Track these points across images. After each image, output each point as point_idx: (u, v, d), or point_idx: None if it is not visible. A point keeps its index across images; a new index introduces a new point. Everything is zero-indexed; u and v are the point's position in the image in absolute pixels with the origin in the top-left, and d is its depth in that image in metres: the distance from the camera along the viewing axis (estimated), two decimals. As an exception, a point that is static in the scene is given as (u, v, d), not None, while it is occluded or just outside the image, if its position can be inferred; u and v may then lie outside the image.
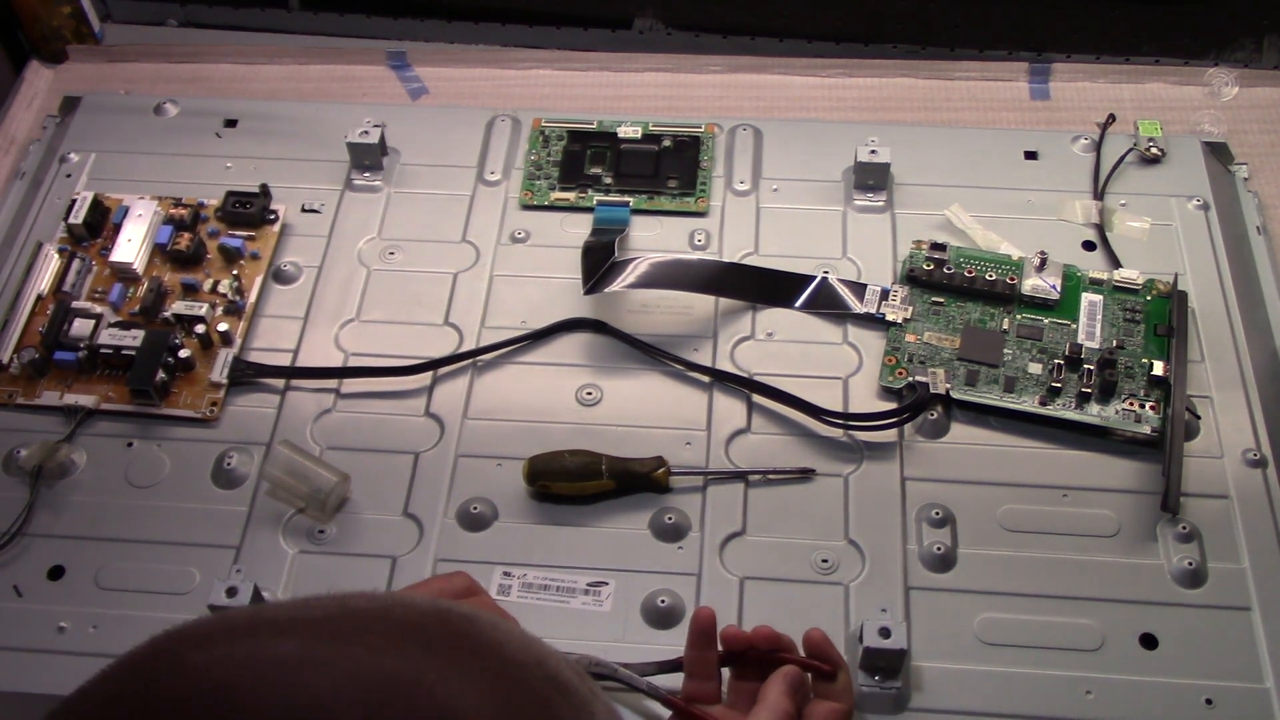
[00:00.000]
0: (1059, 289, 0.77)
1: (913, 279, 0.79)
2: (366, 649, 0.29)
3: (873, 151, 0.83)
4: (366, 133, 0.86)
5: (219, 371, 0.76)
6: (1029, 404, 0.73)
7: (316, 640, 0.29)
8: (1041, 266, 0.78)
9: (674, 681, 0.60)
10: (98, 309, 0.77)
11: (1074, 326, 0.76)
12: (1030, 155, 0.87)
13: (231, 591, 0.64)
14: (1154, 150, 0.86)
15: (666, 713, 0.59)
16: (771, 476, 0.71)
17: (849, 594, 0.67)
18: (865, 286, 0.79)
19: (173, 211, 0.83)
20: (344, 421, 0.75)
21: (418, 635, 0.31)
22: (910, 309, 0.77)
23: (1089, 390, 0.72)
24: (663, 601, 0.66)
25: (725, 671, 0.60)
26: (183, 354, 0.75)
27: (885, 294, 0.78)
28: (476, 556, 0.68)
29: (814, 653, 0.58)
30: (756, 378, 0.75)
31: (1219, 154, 0.88)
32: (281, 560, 0.69)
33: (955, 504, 0.70)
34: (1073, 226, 0.83)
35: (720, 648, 0.59)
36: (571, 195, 0.85)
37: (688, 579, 0.67)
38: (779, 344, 0.77)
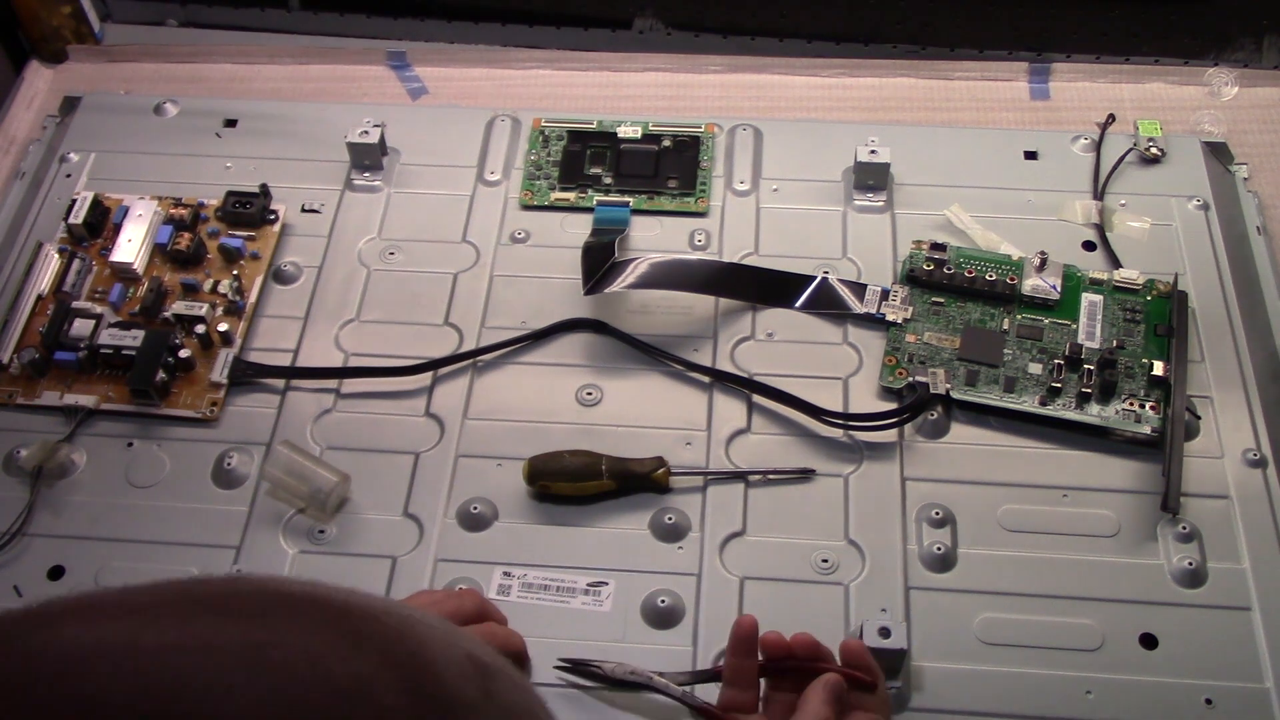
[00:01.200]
0: (1059, 289, 0.77)
1: (913, 279, 0.79)
2: (156, 634, 0.27)
3: (873, 151, 0.83)
4: (366, 133, 0.86)
5: (219, 371, 0.76)
6: (1029, 404, 0.73)
7: (118, 628, 0.27)
8: (1041, 266, 0.78)
9: (709, 693, 0.60)
10: (98, 309, 0.77)
11: (1074, 326, 0.76)
12: (1030, 155, 0.87)
13: (231, 591, 0.64)
14: (1154, 150, 0.86)
15: None
16: (771, 476, 0.71)
17: (849, 594, 0.67)
18: (865, 286, 0.79)
19: (173, 211, 0.83)
20: (344, 421, 0.75)
21: (249, 617, 0.28)
22: (910, 309, 0.77)
23: (1089, 390, 0.72)
24: (663, 601, 0.66)
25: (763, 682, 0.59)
26: (183, 354, 0.75)
27: (885, 294, 0.78)
28: (476, 557, 0.68)
29: (852, 662, 0.57)
30: (756, 378, 0.75)
31: (1219, 154, 0.88)
32: (281, 560, 0.69)
33: (955, 504, 0.70)
34: (1073, 226, 0.83)
35: (760, 655, 0.58)
36: (571, 195, 0.85)
37: (688, 579, 0.67)
38: (779, 344, 0.77)
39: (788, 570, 0.68)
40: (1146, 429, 0.71)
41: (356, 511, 0.71)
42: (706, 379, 0.76)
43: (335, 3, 1.02)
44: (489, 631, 0.61)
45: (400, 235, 0.84)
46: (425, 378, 0.76)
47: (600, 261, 0.77)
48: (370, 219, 0.84)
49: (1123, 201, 0.84)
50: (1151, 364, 0.73)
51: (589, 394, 0.75)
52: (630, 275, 0.77)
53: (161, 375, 0.74)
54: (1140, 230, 0.82)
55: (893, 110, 0.93)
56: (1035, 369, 0.74)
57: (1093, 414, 0.72)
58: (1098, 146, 0.87)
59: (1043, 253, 0.78)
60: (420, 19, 1.02)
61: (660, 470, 0.70)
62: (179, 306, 0.78)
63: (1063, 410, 0.72)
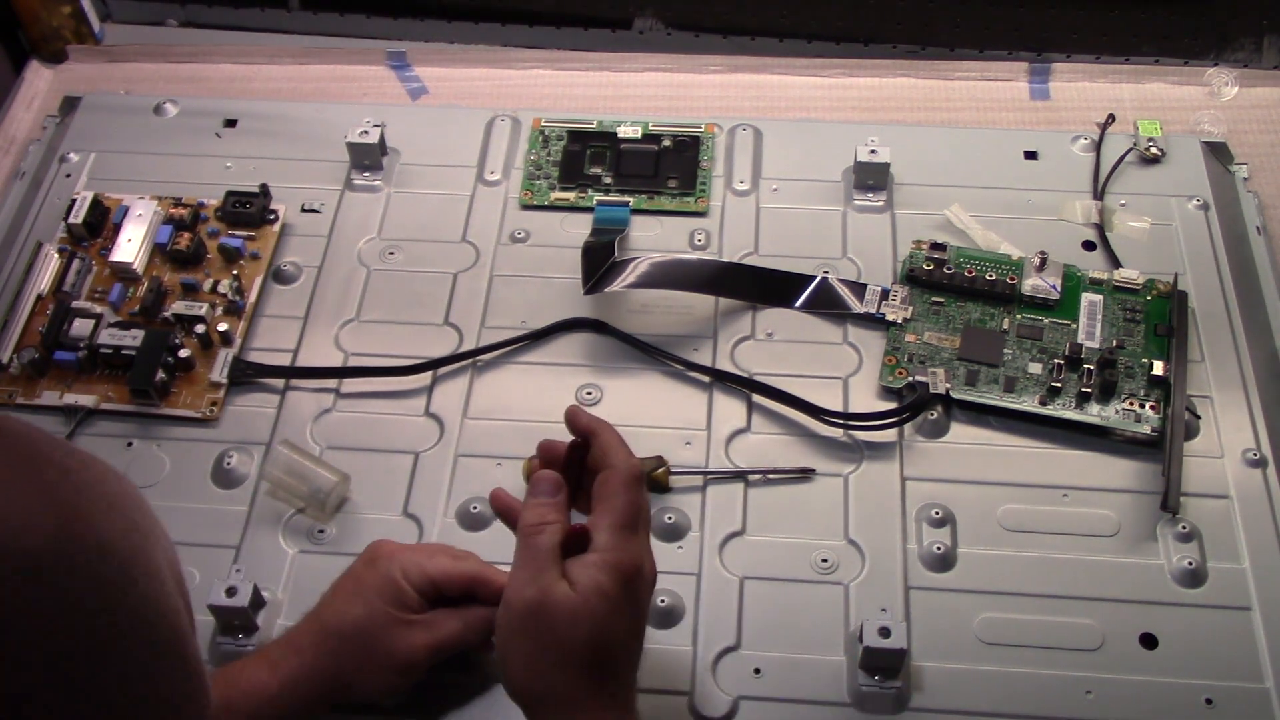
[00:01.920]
0: (1059, 289, 0.77)
1: (913, 279, 0.79)
2: None
3: (873, 151, 0.83)
4: (366, 133, 0.86)
5: (219, 371, 0.76)
6: (1029, 404, 0.73)
7: None
8: (1041, 266, 0.78)
9: None
10: (98, 309, 0.77)
11: (1074, 326, 0.76)
12: (1030, 155, 0.87)
13: (231, 591, 0.64)
14: (1154, 150, 0.86)
15: None
16: (771, 476, 0.71)
17: (849, 594, 0.67)
18: (865, 286, 0.79)
19: (173, 211, 0.83)
20: (344, 421, 0.75)
21: None
22: (910, 309, 0.77)
23: (1089, 390, 0.72)
24: (662, 601, 0.66)
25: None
26: (183, 354, 0.75)
27: (885, 294, 0.78)
28: (476, 556, 0.68)
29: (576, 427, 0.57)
30: (756, 378, 0.75)
31: (1219, 154, 0.88)
32: (281, 560, 0.69)
33: (955, 504, 0.70)
34: (1073, 226, 0.83)
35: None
36: (571, 195, 0.85)
37: (688, 579, 0.67)
38: (779, 344, 0.77)
39: (788, 570, 0.68)
40: (1146, 429, 0.71)
41: (356, 511, 0.71)
42: (706, 379, 0.76)
43: (335, 3, 1.02)
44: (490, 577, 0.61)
45: (400, 235, 0.84)
46: (425, 377, 0.76)
47: (600, 261, 0.77)
48: (370, 219, 0.84)
49: (1123, 201, 0.84)
50: (1151, 364, 0.73)
51: (589, 393, 0.75)
52: (630, 275, 0.77)
53: (161, 375, 0.74)
54: (1140, 230, 0.82)
55: (893, 110, 0.93)
56: (1035, 369, 0.74)
57: (1093, 414, 0.72)
58: (1098, 146, 0.87)
59: (1043, 253, 0.78)
60: (420, 19, 1.02)
61: (660, 470, 0.70)
62: (179, 306, 0.78)
63: (1063, 410, 0.72)
